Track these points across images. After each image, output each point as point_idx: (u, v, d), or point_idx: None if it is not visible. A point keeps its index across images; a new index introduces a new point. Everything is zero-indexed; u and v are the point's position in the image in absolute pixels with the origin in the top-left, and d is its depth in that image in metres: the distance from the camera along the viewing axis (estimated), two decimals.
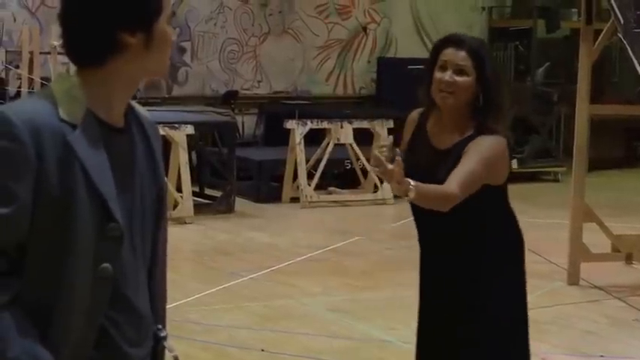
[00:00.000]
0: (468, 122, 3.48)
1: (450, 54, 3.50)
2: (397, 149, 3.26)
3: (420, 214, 3.50)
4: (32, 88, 10.01)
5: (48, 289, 1.97)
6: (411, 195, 3.23)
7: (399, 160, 3.09)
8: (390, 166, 3.07)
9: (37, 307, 1.97)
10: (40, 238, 1.96)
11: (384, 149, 3.24)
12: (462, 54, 3.47)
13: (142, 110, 2.20)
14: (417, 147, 3.59)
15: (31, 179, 1.91)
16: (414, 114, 3.71)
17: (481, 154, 3.43)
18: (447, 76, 3.45)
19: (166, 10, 2.01)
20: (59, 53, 9.21)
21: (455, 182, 3.34)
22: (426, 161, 3.49)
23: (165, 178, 6.99)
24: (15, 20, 11.93)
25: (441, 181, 3.37)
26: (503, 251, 3.58)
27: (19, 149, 1.90)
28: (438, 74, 3.48)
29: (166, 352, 2.23)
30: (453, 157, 3.44)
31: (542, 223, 9.26)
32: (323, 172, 11.16)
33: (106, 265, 1.99)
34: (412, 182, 3.21)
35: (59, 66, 2.25)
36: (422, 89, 3.57)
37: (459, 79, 3.45)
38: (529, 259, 7.22)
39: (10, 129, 1.90)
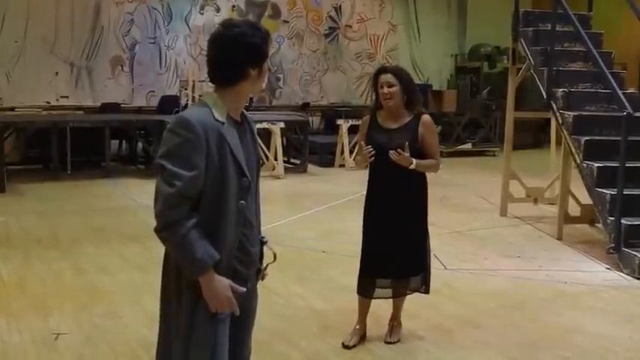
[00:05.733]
0: (403, 111, 4.37)
1: (382, 77, 4.33)
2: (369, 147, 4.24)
3: (389, 168, 4.26)
4: (193, 101, 11.44)
5: (214, 217, 2.49)
6: (413, 166, 4.24)
7: (395, 153, 4.14)
8: (367, 158, 4.22)
9: (209, 227, 2.47)
10: (209, 188, 2.46)
11: (364, 150, 4.28)
12: (389, 75, 4.33)
13: (245, 111, 2.68)
14: (375, 131, 4.38)
15: (204, 155, 2.42)
16: (366, 118, 4.52)
17: (434, 132, 4.43)
18: (385, 90, 4.29)
19: (268, 57, 2.59)
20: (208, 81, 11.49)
21: (436, 155, 4.40)
22: (383, 137, 4.32)
23: (268, 152, 11.04)
24: (185, 62, 14.72)
25: (398, 145, 4.20)
26: (424, 179, 4.53)
27: (197, 138, 2.41)
28: (380, 90, 4.33)
29: (265, 250, 2.79)
30: (408, 130, 4.33)
31: (486, 180, 11.28)
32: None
33: (242, 201, 2.53)
34: (414, 160, 4.20)
35: (208, 88, 3.26)
36: (372, 101, 4.51)
37: (391, 89, 4.28)
38: (478, 200, 9.56)
39: (191, 126, 2.41)
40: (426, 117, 4.38)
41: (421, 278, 4.61)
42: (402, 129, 4.33)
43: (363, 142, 4.31)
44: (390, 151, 4.17)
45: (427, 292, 4.67)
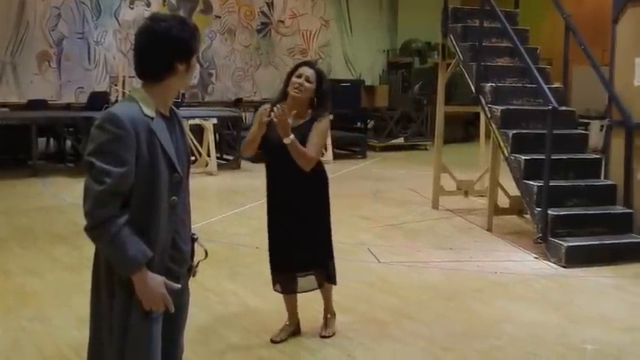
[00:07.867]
0: (307, 112, 4.26)
1: (305, 69, 4.23)
2: (278, 107, 4.00)
3: (284, 165, 4.16)
4: (124, 97, 11.29)
5: (146, 214, 2.47)
6: (288, 142, 4.04)
7: (283, 110, 3.99)
8: (265, 120, 4.05)
9: (141, 224, 2.46)
10: (140, 184, 2.45)
11: (268, 112, 4.10)
12: (312, 71, 4.24)
13: (174, 107, 2.68)
14: (273, 127, 4.09)
15: (133, 151, 2.41)
16: (266, 106, 4.27)
17: (322, 132, 4.27)
18: (302, 80, 4.19)
19: (197, 52, 2.60)
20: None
21: (312, 149, 4.19)
22: (279, 134, 4.07)
23: (200, 148, 10.96)
24: (114, 58, 14.61)
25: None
26: (323, 175, 4.42)
27: (126, 134, 2.40)
28: (295, 79, 4.21)
29: (197, 247, 2.77)
30: (302, 130, 4.20)
31: (418, 174, 11.41)
32: None
33: (174, 197, 2.54)
34: (292, 135, 4.04)
35: (138, 84, 3.27)
36: (281, 89, 4.32)
37: (307, 84, 4.19)
38: (411, 194, 9.68)
39: (120, 122, 2.40)
40: (322, 120, 4.26)
41: (324, 271, 4.55)
42: (298, 128, 4.17)
43: (267, 105, 4.18)
44: (275, 107, 4.03)
45: (334, 283, 4.63)
